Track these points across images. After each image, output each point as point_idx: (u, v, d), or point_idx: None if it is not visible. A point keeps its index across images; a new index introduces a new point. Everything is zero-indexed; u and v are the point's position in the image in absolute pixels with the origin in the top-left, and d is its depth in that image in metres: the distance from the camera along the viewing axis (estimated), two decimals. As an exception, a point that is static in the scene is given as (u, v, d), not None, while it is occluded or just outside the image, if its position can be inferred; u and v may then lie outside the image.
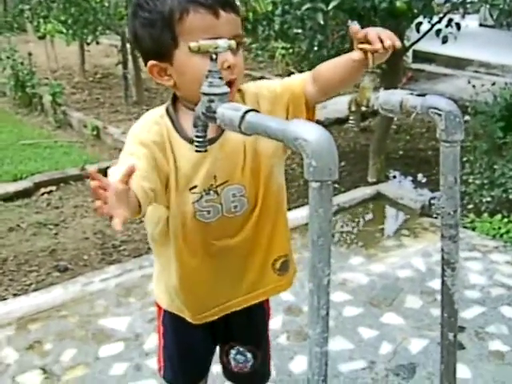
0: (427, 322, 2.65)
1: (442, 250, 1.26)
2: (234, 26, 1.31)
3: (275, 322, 2.63)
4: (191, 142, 1.28)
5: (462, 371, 2.33)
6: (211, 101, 1.16)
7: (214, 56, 1.17)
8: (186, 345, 1.71)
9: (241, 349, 1.73)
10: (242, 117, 1.07)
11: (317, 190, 0.96)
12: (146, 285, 2.91)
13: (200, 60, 1.24)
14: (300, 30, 3.84)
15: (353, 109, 1.18)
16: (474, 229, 3.55)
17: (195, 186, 1.42)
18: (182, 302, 1.58)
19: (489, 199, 3.75)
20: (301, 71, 5.70)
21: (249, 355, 1.73)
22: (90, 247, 3.53)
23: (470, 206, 3.80)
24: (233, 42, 1.19)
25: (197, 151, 1.24)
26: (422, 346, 2.49)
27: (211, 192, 1.43)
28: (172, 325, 1.69)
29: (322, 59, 4.18)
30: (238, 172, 1.44)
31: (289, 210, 1.59)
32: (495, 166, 3.85)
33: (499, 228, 3.52)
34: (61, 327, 2.64)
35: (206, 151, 1.25)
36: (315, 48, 3.87)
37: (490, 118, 4.25)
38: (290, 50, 4.64)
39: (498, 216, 3.60)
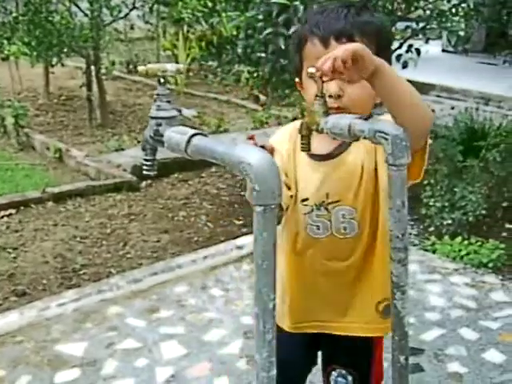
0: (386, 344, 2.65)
1: (392, 273, 1.26)
2: None
3: (234, 347, 2.62)
4: (310, 155, 1.45)
5: (421, 394, 2.34)
6: (159, 124, 1.15)
7: (162, 80, 1.17)
8: (282, 358, 1.73)
9: (343, 371, 1.73)
10: (188, 141, 1.07)
11: (261, 214, 0.96)
12: (104, 309, 2.87)
13: (312, 84, 1.29)
14: (263, 54, 3.87)
15: (303, 133, 1.18)
16: (434, 251, 3.59)
17: (307, 199, 1.52)
18: (284, 307, 1.63)
19: (449, 222, 3.78)
20: (266, 95, 5.74)
21: (349, 378, 1.73)
22: (49, 271, 3.47)
23: (431, 229, 3.84)
24: (181, 66, 1.20)
25: (145, 175, 1.23)
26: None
27: (322, 208, 1.51)
28: (282, 341, 1.74)
29: (285, 83, 4.22)
30: (351, 194, 1.49)
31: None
32: (455, 189, 3.89)
33: (459, 250, 3.56)
34: (15, 353, 2.58)
35: (155, 175, 1.25)
36: (278, 72, 3.90)
37: (451, 142, 4.31)
38: (255, 74, 4.66)
39: (459, 238, 3.64)
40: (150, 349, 2.60)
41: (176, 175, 4.88)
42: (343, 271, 1.57)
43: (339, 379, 1.76)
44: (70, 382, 2.40)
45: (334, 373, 1.77)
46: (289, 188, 1.55)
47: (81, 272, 3.45)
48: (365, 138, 1.20)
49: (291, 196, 1.55)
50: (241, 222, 4.06)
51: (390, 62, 1.48)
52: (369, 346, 1.72)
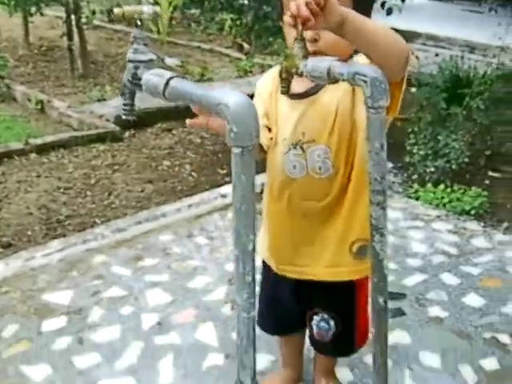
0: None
1: (371, 215, 1.28)
2: None
3: (219, 293, 2.65)
4: (289, 95, 1.43)
5: (402, 337, 2.38)
6: (136, 67, 1.14)
7: (139, 22, 1.15)
8: (271, 295, 1.84)
9: (325, 316, 1.78)
10: (166, 83, 1.06)
11: (239, 155, 0.96)
12: (89, 259, 2.89)
13: (292, 28, 1.25)
14: (245, 1, 3.81)
15: (283, 76, 1.18)
16: (417, 198, 3.62)
17: (285, 139, 1.56)
18: (268, 248, 1.72)
19: (432, 169, 3.80)
20: (249, 43, 5.66)
21: (332, 323, 1.77)
22: (33, 222, 3.46)
23: (415, 177, 3.86)
24: (158, 9, 1.18)
25: (125, 119, 1.23)
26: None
27: (298, 147, 1.55)
28: (264, 275, 1.84)
29: (267, 30, 4.17)
30: (326, 133, 1.51)
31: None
32: (439, 137, 3.90)
33: (442, 198, 3.59)
34: (2, 303, 2.59)
35: (134, 119, 1.24)
36: (261, 19, 3.85)
37: (435, 89, 4.30)
38: (238, 22, 4.59)
39: (442, 186, 3.67)
40: (135, 297, 2.62)
41: (159, 125, 4.85)
42: (319, 212, 1.60)
43: (321, 324, 1.79)
44: (56, 330, 2.42)
45: (315, 317, 1.80)
46: (269, 130, 1.57)
47: (65, 223, 3.45)
48: (344, 80, 1.19)
49: (271, 138, 1.57)
50: (225, 171, 4.06)
51: (369, 13, 1.48)
52: (350, 289, 1.75)
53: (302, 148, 1.54)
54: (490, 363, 2.28)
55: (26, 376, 2.17)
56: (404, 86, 1.37)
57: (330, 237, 1.62)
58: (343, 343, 1.84)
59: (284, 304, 1.84)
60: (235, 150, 0.95)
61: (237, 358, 1.13)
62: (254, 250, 1.02)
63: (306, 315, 1.84)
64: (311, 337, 1.88)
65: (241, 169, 0.96)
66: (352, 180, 1.56)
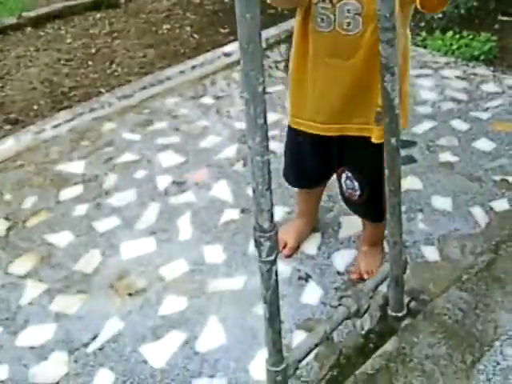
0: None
1: (381, 54, 1.25)
2: None
3: (230, 151, 2.67)
4: None
5: (414, 182, 2.42)
6: None
7: None
8: (296, 150, 1.88)
9: (349, 174, 1.81)
10: None
11: (242, -8, 0.92)
12: (98, 127, 2.89)
13: None
14: None
15: None
16: (425, 47, 3.54)
17: None
18: (299, 106, 1.71)
19: (440, 15, 3.69)
20: None
21: (356, 184, 1.80)
22: (38, 97, 3.43)
23: (422, 24, 3.75)
24: None
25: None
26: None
27: (327, 0, 1.47)
28: (290, 136, 1.85)
29: None
30: None
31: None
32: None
33: (451, 45, 3.51)
34: (18, 177, 2.62)
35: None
36: None
37: None
38: None
39: (450, 33, 3.57)
40: (148, 160, 2.65)
41: (156, -12, 4.68)
42: (345, 72, 1.55)
43: (348, 182, 1.83)
44: (74, 198, 2.47)
45: (343, 175, 1.84)
46: None
47: (70, 94, 3.42)
48: None
49: None
50: (226, 30, 3.96)
51: None
52: (378, 154, 1.73)
53: (331, 1, 1.47)
54: (501, 204, 2.32)
55: (51, 244, 2.24)
56: None
57: (356, 99, 1.59)
58: (371, 207, 1.86)
59: (309, 160, 1.86)
60: (239, -14, 0.91)
61: (253, 203, 1.15)
62: (264, 91, 1.01)
63: (336, 172, 1.87)
64: (342, 194, 1.91)
65: (245, 8, 0.93)
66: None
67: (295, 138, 1.83)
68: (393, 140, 1.36)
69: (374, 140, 1.65)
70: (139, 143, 2.77)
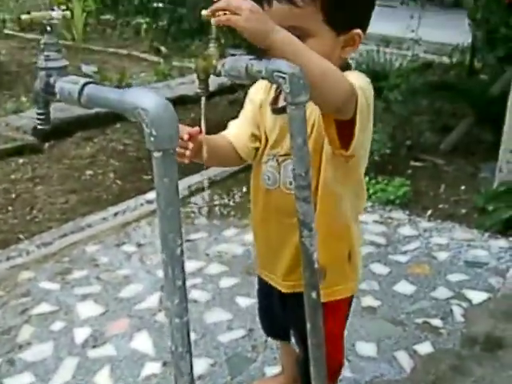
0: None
1: (298, 211, 1.28)
2: (285, 17, 1.31)
3: (152, 301, 2.61)
4: (273, 110, 1.50)
5: (338, 329, 2.41)
6: (49, 75, 1.10)
7: (48, 28, 1.11)
8: (262, 300, 1.86)
9: (292, 331, 1.78)
10: (81, 89, 1.02)
11: (160, 159, 0.93)
12: (15, 276, 2.79)
13: None
14: (160, 4, 3.77)
15: (201, 77, 1.16)
16: (343, 193, 3.66)
17: (268, 149, 1.56)
18: (256, 252, 1.74)
19: (356, 162, 3.86)
20: (166, 46, 5.60)
21: (292, 339, 1.76)
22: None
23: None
24: (68, 13, 1.14)
25: (40, 129, 1.19)
26: (298, 309, 2.55)
27: (274, 159, 1.53)
28: (258, 282, 1.83)
29: (184, 32, 4.14)
30: None
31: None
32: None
33: (367, 190, 3.63)
34: None
35: (48, 127, 1.19)
36: (177, 21, 3.82)
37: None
38: (154, 25, 4.54)
39: (366, 178, 3.72)
40: (65, 311, 2.56)
41: (80, 134, 4.72)
42: (291, 228, 1.50)
43: (292, 340, 1.84)
44: (-16, 352, 2.33)
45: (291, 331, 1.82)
46: (259, 140, 1.57)
47: (-13, 240, 3.33)
48: (263, 78, 1.19)
49: (257, 148, 1.57)
50: (150, 177, 4.01)
51: (346, 19, 1.38)
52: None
53: (277, 161, 1.52)
54: (424, 348, 2.34)
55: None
56: (359, 126, 1.32)
57: (294, 252, 1.55)
58: (303, 365, 1.73)
59: (273, 310, 1.82)
60: (156, 154, 0.93)
61: (173, 366, 1.11)
62: (182, 254, 1.00)
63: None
64: None
65: (163, 172, 0.94)
66: (318, 202, 1.50)
67: (258, 282, 1.84)
68: (313, 294, 1.36)
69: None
70: (57, 293, 2.68)
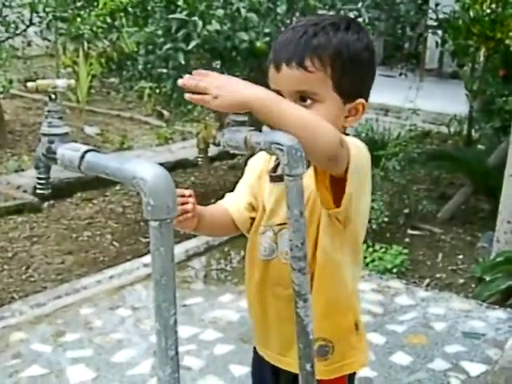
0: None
1: (293, 282, 1.28)
2: (295, 82, 1.33)
3: (144, 366, 2.58)
4: (270, 177, 1.48)
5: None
6: (51, 141, 1.12)
7: (52, 96, 1.14)
8: (256, 375, 1.74)
9: None
10: (82, 157, 1.04)
11: (157, 228, 0.94)
12: (6, 336, 2.77)
13: None
14: (164, 70, 3.84)
15: (201, 146, 1.19)
16: (339, 260, 3.65)
17: (265, 219, 1.51)
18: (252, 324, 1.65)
19: (354, 229, 3.87)
20: (169, 111, 5.70)
21: None
22: None
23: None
24: (72, 82, 1.17)
25: (40, 194, 1.20)
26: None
27: (271, 229, 1.49)
28: (253, 356, 1.73)
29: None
30: None
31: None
32: (358, 198, 3.98)
33: (365, 258, 3.64)
34: None
35: (49, 192, 1.21)
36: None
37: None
38: (157, 90, 4.62)
39: (363, 246, 3.72)
40: (56, 374, 2.52)
41: (79, 194, 4.76)
42: (288, 301, 1.41)
43: None
44: (-29, 416, 2.29)
45: None
46: (255, 210, 1.55)
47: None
48: (261, 149, 1.21)
49: (253, 219, 1.55)
50: (147, 240, 4.00)
51: (354, 87, 1.40)
52: None
53: (273, 231, 1.50)
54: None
55: None
56: (352, 181, 1.31)
57: (293, 328, 1.40)
58: None
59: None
60: (153, 224, 0.94)
61: None
62: (175, 323, 1.00)
63: None
64: None
65: (160, 242, 0.95)
66: (315, 273, 1.46)
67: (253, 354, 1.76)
68: (308, 366, 1.34)
69: (318, 377, 1.43)
70: (49, 355, 2.65)
